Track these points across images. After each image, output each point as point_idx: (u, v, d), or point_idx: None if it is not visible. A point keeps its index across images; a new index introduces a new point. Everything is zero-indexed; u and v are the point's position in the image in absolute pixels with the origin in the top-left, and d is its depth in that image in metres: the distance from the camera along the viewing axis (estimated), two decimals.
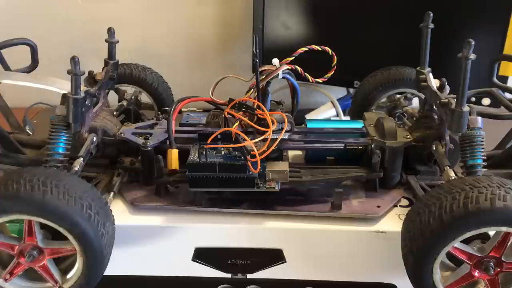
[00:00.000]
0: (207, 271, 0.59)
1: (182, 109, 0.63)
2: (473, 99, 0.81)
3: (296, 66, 0.59)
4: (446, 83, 0.63)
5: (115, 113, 0.68)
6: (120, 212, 0.58)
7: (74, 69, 0.53)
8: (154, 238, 0.57)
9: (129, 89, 0.76)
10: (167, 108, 0.62)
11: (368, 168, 0.59)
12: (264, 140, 0.55)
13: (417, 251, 0.49)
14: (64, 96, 0.57)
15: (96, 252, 0.50)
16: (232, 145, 0.54)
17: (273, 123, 0.57)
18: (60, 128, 0.56)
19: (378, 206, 0.58)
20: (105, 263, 0.52)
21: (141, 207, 0.58)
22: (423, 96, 0.66)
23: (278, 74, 0.59)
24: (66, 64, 0.53)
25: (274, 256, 0.58)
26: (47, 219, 0.48)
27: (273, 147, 0.54)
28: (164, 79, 0.78)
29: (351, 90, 0.97)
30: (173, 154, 0.57)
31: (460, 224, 0.47)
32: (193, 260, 0.58)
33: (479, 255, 0.50)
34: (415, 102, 0.77)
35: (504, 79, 0.79)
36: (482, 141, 0.54)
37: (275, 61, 0.59)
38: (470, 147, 0.54)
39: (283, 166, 0.56)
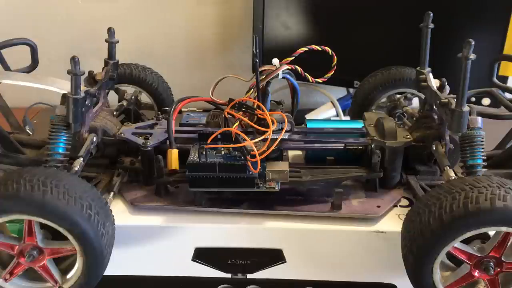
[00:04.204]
0: (207, 271, 0.59)
1: (182, 109, 0.63)
2: (473, 99, 0.81)
3: (296, 66, 0.59)
4: (446, 83, 0.63)
5: (115, 113, 0.68)
6: (120, 212, 0.58)
7: (74, 69, 0.53)
8: (154, 238, 0.57)
9: (129, 89, 0.76)
10: (167, 108, 0.62)
11: (368, 168, 0.59)
12: (264, 140, 0.55)
13: (417, 251, 0.49)
14: (64, 96, 0.57)
15: (96, 252, 0.50)
16: (232, 145, 0.54)
17: (273, 123, 0.57)
18: (60, 128, 0.56)
19: (378, 206, 0.58)
20: (105, 263, 0.52)
21: (141, 207, 0.58)
22: (423, 96, 0.66)
23: (278, 74, 0.59)
24: (66, 64, 0.53)
25: (274, 256, 0.58)
26: (47, 219, 0.48)
27: (273, 147, 0.54)
28: (164, 79, 0.78)
29: (351, 90, 0.97)
30: (173, 154, 0.57)
31: (460, 224, 0.47)
32: (193, 260, 0.58)
33: (479, 255, 0.50)
34: (415, 102, 0.77)
35: (504, 79, 0.79)
36: (482, 141, 0.54)
37: (275, 61, 0.59)
38: (470, 147, 0.54)
39: (283, 166, 0.56)
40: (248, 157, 0.53)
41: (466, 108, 0.53)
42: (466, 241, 0.49)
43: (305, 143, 0.62)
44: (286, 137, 0.59)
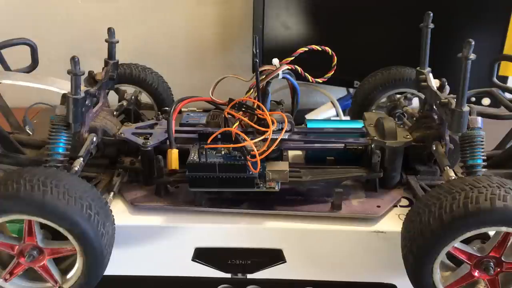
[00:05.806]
0: (207, 271, 0.59)
1: (182, 109, 0.63)
2: (473, 99, 0.81)
3: (296, 66, 0.59)
4: (446, 83, 0.63)
5: (115, 113, 0.68)
6: (120, 212, 0.58)
7: (74, 69, 0.53)
8: (154, 238, 0.57)
9: (129, 89, 0.76)
10: (167, 108, 0.62)
11: (368, 168, 0.59)
12: (264, 140, 0.55)
13: (417, 251, 0.49)
14: (64, 96, 0.57)
15: (96, 252, 0.50)
16: (232, 145, 0.54)
17: (273, 123, 0.57)
18: (60, 128, 0.56)
19: (378, 206, 0.58)
20: (105, 263, 0.52)
21: (141, 207, 0.58)
22: (423, 96, 0.66)
23: (278, 74, 0.59)
24: (66, 64, 0.53)
25: (274, 256, 0.58)
26: (47, 219, 0.48)
27: (273, 147, 0.54)
28: (164, 79, 0.78)
29: (351, 90, 0.97)
30: (173, 154, 0.57)
31: (460, 224, 0.47)
32: (193, 260, 0.58)
33: (479, 255, 0.50)
34: (415, 102, 0.77)
35: (504, 79, 0.79)
36: (482, 141, 0.54)
37: (275, 61, 0.59)
38: (470, 147, 0.54)
39: (283, 166, 0.56)
40: (248, 157, 0.53)
41: (466, 108, 0.53)
42: (466, 241, 0.49)
43: (305, 143, 0.62)
44: (286, 137, 0.59)
